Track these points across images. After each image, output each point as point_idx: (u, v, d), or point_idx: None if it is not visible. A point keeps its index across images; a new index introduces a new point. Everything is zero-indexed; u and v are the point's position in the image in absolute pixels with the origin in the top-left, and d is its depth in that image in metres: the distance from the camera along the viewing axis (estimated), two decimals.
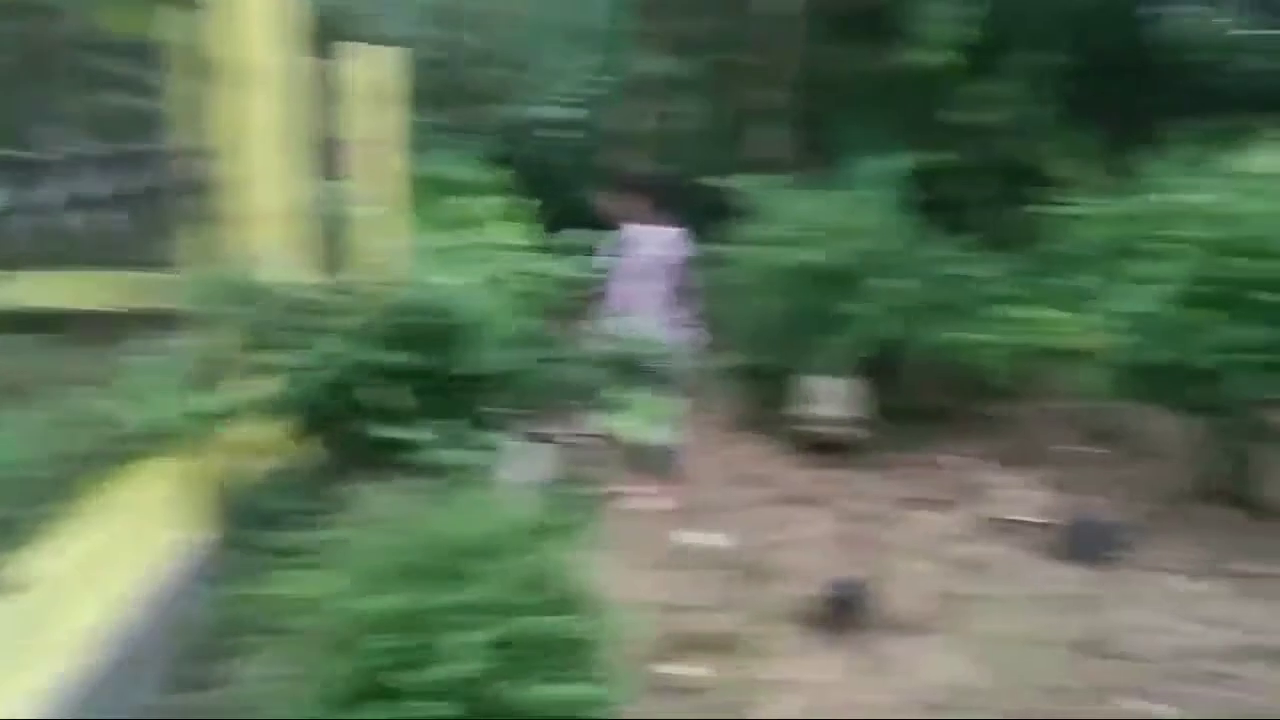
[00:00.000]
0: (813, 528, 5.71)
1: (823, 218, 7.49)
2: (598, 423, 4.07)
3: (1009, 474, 6.52)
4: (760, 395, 7.66)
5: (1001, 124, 11.86)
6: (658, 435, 4.54)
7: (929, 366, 7.63)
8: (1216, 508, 5.78)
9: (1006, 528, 5.73)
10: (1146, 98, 13.21)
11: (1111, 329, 5.94)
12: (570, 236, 5.59)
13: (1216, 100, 13.73)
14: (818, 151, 9.38)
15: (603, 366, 3.81)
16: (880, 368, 7.33)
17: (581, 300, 6.04)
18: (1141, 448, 6.80)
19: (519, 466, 3.76)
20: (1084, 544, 5.32)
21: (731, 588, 4.99)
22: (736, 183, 8.10)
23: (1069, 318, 6.22)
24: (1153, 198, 6.08)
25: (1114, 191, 6.75)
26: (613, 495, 5.58)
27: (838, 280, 7.24)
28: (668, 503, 5.98)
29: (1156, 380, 5.66)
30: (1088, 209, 6.68)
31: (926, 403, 7.59)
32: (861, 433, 6.97)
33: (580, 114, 10.46)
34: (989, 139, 11.20)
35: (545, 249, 6.20)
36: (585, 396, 3.77)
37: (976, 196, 10.54)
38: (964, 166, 9.84)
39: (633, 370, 3.75)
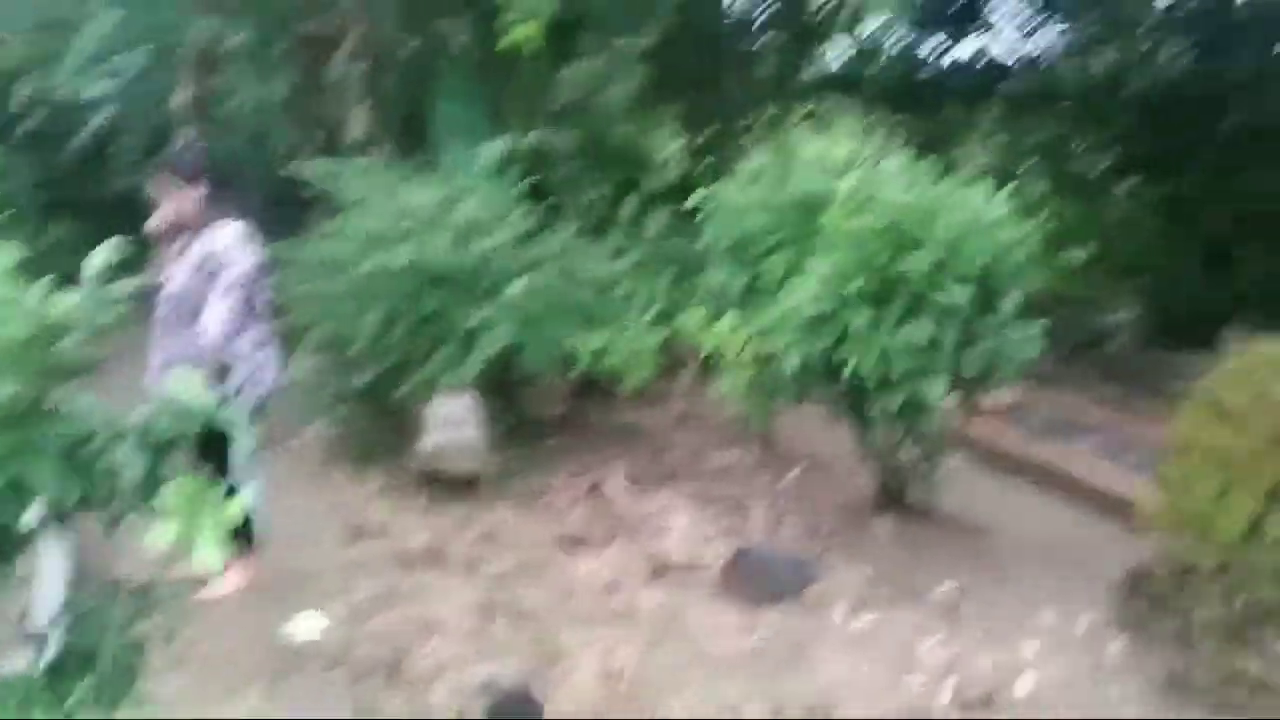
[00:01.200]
0: (446, 597, 4.61)
1: (425, 210, 6.40)
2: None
3: (665, 497, 5.80)
4: (369, 424, 6.45)
5: (596, 105, 11.23)
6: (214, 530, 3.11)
7: (560, 377, 6.80)
8: (894, 520, 5.36)
9: (675, 568, 4.96)
10: (728, 80, 13.45)
11: (759, 328, 5.36)
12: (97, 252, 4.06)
13: (792, 84, 14.34)
14: (414, 134, 8.23)
15: (141, 445, 2.49)
16: (506, 381, 6.39)
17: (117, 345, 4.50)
18: (804, 457, 6.38)
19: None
20: (765, 581, 4.66)
21: (339, 704, 3.79)
22: (318, 169, 6.79)
23: (710, 317, 5.58)
24: (794, 186, 5.57)
25: (728, 177, 6.25)
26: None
27: (448, 282, 6.20)
28: (240, 579, 4.56)
29: (812, 384, 5.15)
30: (713, 198, 6.07)
31: (560, 419, 6.76)
32: (492, 461, 5.97)
33: (110, 88, 8.51)
34: (587, 120, 10.60)
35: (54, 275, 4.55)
36: (109, 501, 2.44)
37: (589, 182, 9.90)
38: (569, 151, 9.10)
39: (169, 448, 2.47)
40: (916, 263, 4.71)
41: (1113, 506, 5.64)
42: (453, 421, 5.93)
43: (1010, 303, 4.80)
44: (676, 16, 12.41)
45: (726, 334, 5.33)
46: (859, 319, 4.78)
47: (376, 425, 6.47)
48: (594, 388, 7.17)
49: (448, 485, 5.84)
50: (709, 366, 5.86)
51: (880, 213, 4.84)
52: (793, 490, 5.93)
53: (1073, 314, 10.43)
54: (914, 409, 4.79)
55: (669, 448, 6.70)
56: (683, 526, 5.38)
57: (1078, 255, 11.78)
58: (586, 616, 4.51)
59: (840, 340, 4.84)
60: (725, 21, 12.95)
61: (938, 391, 4.72)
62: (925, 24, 13.29)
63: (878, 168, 5.28)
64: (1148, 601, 4.41)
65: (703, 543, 5.18)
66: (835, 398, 5.06)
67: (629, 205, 9.72)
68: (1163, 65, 11.78)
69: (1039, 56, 12.89)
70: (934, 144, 13.02)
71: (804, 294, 4.97)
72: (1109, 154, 13.13)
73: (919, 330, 4.69)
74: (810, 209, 5.76)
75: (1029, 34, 12.84)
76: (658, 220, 8.17)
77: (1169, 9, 11.77)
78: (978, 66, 12.90)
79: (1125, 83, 12.05)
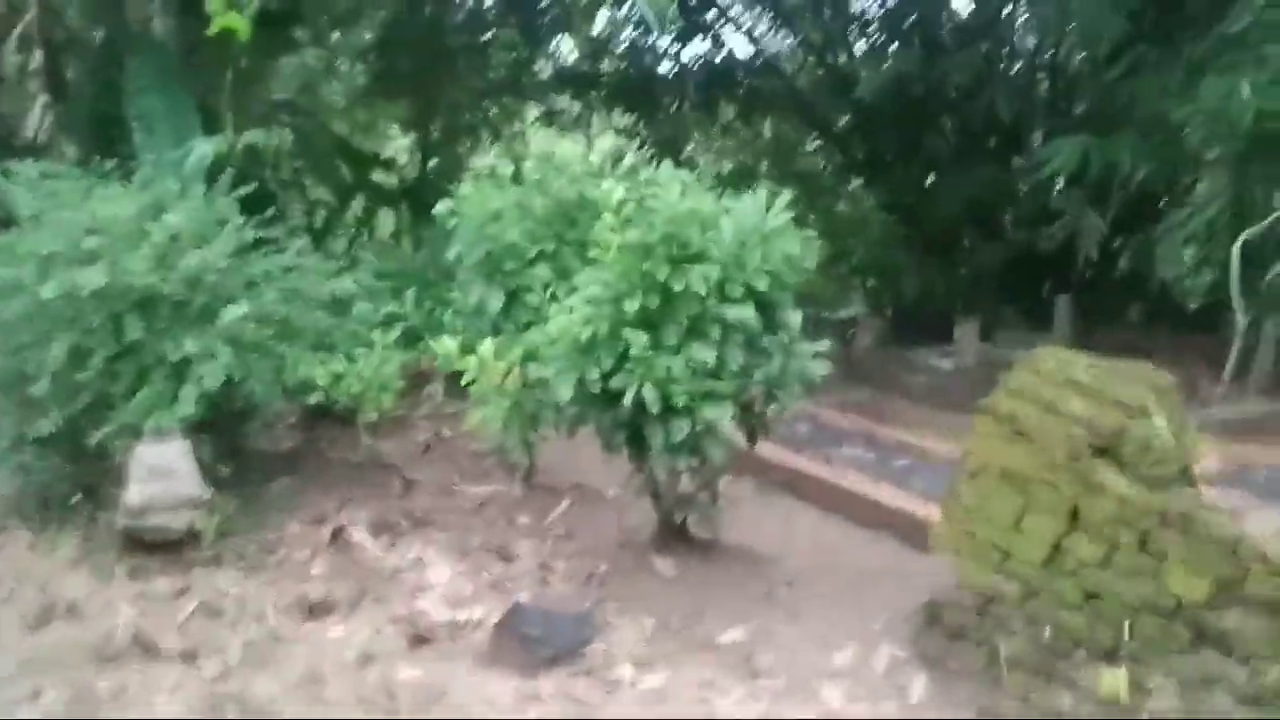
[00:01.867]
0: (158, 699, 3.77)
1: (121, 222, 5.42)
2: None
3: (418, 545, 5.12)
4: (58, 476, 5.42)
5: (315, 101, 10.40)
6: None
7: (284, 410, 6.00)
8: (676, 558, 4.91)
9: (436, 633, 4.32)
10: (456, 75, 12.81)
11: (523, 352, 4.81)
12: None
13: (525, 81, 13.84)
14: (108, 134, 7.10)
15: None
16: (225, 415, 5.53)
17: None
18: (572, 489, 5.86)
19: None
20: (540, 643, 4.10)
21: None
22: None
23: (466, 339, 4.97)
24: (555, 191, 5.05)
25: (461, 178, 5.69)
26: None
27: (151, 306, 5.28)
28: None
29: (587, 413, 4.65)
30: (461, 204, 5.46)
31: (291, 455, 5.95)
32: (212, 514, 5.09)
33: None
34: (304, 118, 9.69)
35: None
36: None
37: (311, 185, 9.00)
38: (288, 151, 8.21)
39: None
40: (698, 277, 4.30)
41: (890, 521, 5.48)
42: (162, 470, 5.01)
43: (796, 318, 4.48)
44: (399, 8, 11.69)
45: (486, 360, 4.73)
46: (638, 340, 4.31)
47: (67, 477, 5.45)
48: (328, 417, 6.39)
49: (159, 548, 4.93)
50: (458, 387, 5.24)
51: (656, 222, 4.39)
52: (562, 529, 5.41)
53: (812, 315, 10.50)
54: (699, 435, 4.38)
55: (417, 484, 6.01)
56: (441, 581, 4.75)
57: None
58: (336, 703, 3.82)
59: (619, 364, 4.36)
60: (455, 14, 12.30)
61: (725, 416, 4.33)
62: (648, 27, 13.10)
63: (648, 173, 4.83)
64: (948, 633, 4.19)
65: (465, 600, 4.57)
66: (612, 426, 4.58)
67: (354, 208, 8.91)
68: (881, 69, 12.07)
69: (771, 57, 12.98)
70: (669, 144, 12.96)
71: (575, 314, 4.46)
72: (835, 154, 13.46)
73: (704, 351, 4.28)
74: (573, 217, 5.27)
75: (759, 34, 12.91)
76: (391, 226, 7.45)
77: (887, 15, 12.09)
78: (713, 66, 12.84)
79: (849, 85, 12.31)
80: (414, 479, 6.08)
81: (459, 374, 4.92)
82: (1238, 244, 7.20)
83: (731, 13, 12.86)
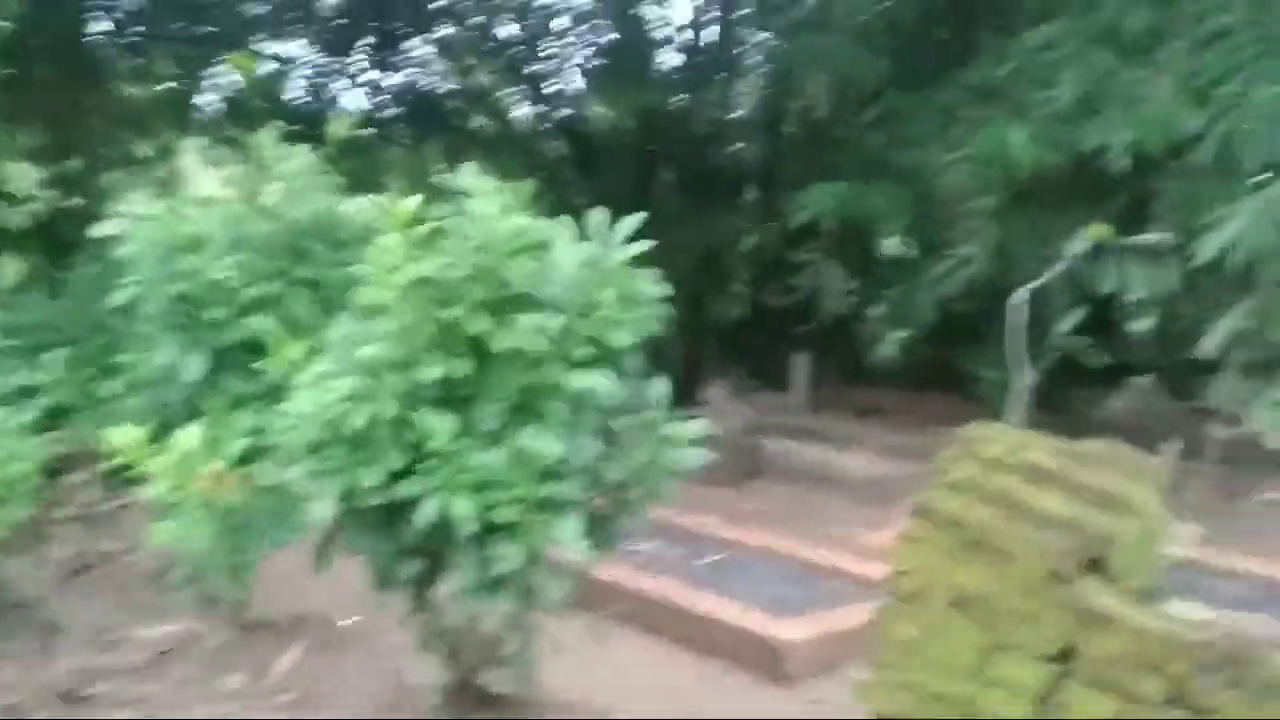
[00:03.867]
0: None
1: None
2: None
3: None
4: None
5: None
6: None
7: None
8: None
9: None
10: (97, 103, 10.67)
11: (247, 444, 3.22)
12: None
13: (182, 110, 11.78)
14: None
15: None
16: None
17: None
18: (308, 627, 4.18)
19: None
20: None
21: None
22: None
23: (153, 424, 3.30)
24: (292, 206, 3.50)
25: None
26: None
27: None
28: None
29: (354, 533, 3.12)
30: (138, 229, 3.79)
31: None
32: None
33: None
34: None
35: None
36: None
37: None
38: None
39: None
40: (530, 330, 2.92)
41: (740, 647, 4.30)
42: None
43: (660, 386, 3.19)
44: (25, 26, 9.55)
45: (189, 456, 3.10)
46: (440, 427, 2.87)
47: None
48: None
49: None
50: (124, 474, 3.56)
51: (463, 250, 2.98)
52: (295, 690, 3.76)
53: None
54: (533, 564, 2.98)
55: (63, 629, 4.16)
56: None
57: None
58: None
59: (411, 462, 2.89)
60: (96, 36, 10.22)
61: (570, 531, 2.95)
62: (335, 50, 11.57)
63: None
64: None
65: None
66: (395, 556, 3.07)
67: None
68: (603, 109, 11.19)
69: (482, 91, 11.76)
70: (365, 184, 11.37)
71: (334, 387, 2.95)
72: (553, 198, 12.38)
73: (542, 439, 2.89)
74: (303, 248, 3.74)
75: (470, 66, 11.67)
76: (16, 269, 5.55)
77: (609, 51, 11.24)
78: (418, 97, 11.44)
79: (568, 124, 11.33)
80: (57, 622, 4.21)
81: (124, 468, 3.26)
82: (1020, 298, 6.71)
83: (434, 40, 11.56)
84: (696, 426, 3.19)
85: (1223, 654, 2.66)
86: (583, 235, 3.17)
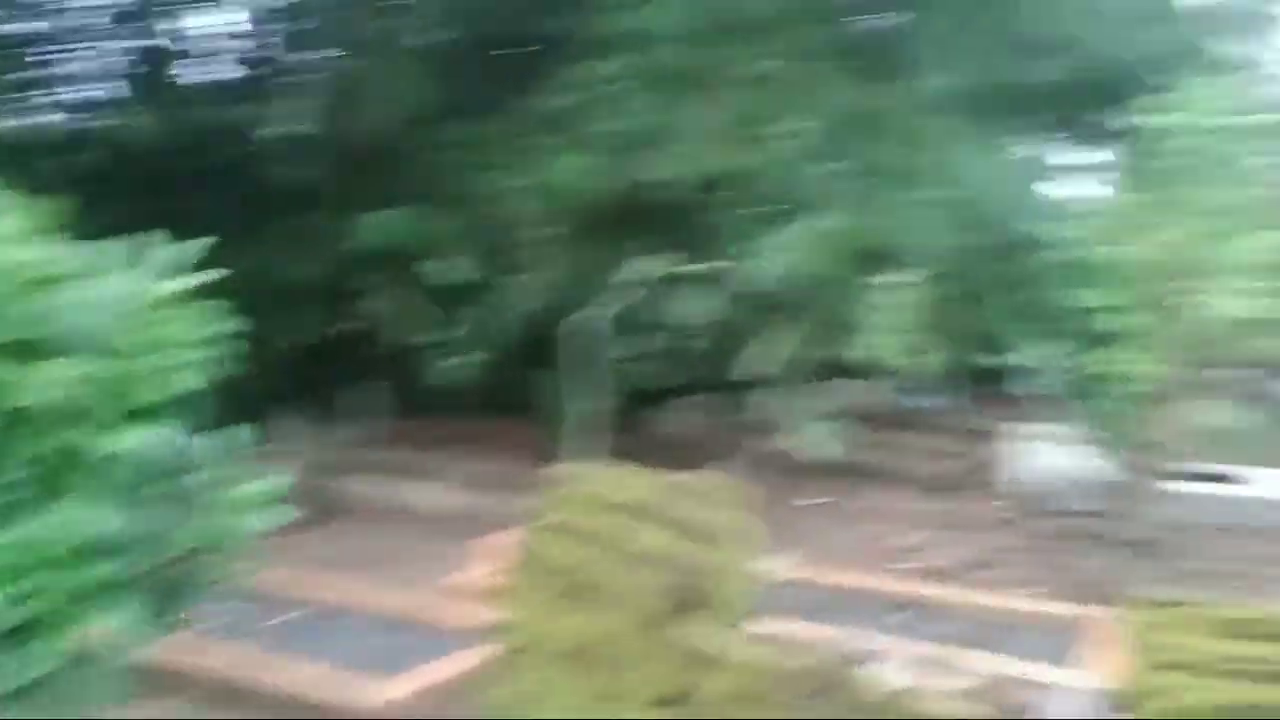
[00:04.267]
0: None
1: None
2: None
3: None
4: None
5: None
6: None
7: None
8: None
9: None
10: None
11: None
12: None
13: None
14: None
15: None
16: None
17: None
18: None
19: None
20: None
21: None
22: None
23: None
24: None
25: None
26: None
27: None
28: None
29: None
30: None
31: None
32: None
33: None
34: None
35: None
36: None
37: None
38: None
39: None
40: (49, 383, 2.37)
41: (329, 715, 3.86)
42: None
43: (230, 438, 2.74)
44: None
45: None
46: None
47: None
48: None
49: None
50: None
51: None
52: None
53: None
54: (61, 657, 2.42)
55: None
56: None
57: None
58: None
59: None
60: None
61: (121, 615, 2.43)
62: None
63: None
64: None
65: None
66: None
67: None
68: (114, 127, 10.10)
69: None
70: None
71: None
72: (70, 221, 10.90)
73: (74, 513, 2.36)
74: None
75: None
76: None
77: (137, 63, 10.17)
78: None
79: (102, 136, 10.10)
80: None
81: None
82: (586, 324, 6.85)
83: None
84: (273, 482, 2.79)
85: (820, 679, 2.71)
86: (129, 264, 2.67)
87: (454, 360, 9.79)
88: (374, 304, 9.13)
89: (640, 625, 2.76)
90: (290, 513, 2.78)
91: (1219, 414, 5.92)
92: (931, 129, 7.29)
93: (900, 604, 5.30)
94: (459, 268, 9.37)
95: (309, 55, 10.42)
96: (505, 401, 9.74)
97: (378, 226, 7.97)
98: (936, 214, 6.93)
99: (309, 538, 6.84)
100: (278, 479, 2.79)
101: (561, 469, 3.08)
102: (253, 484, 2.71)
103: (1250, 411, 7.31)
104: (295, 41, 10.29)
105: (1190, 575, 5.89)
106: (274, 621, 4.90)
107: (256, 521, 2.70)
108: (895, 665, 3.16)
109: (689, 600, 2.79)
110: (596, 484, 3.02)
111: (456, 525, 7.07)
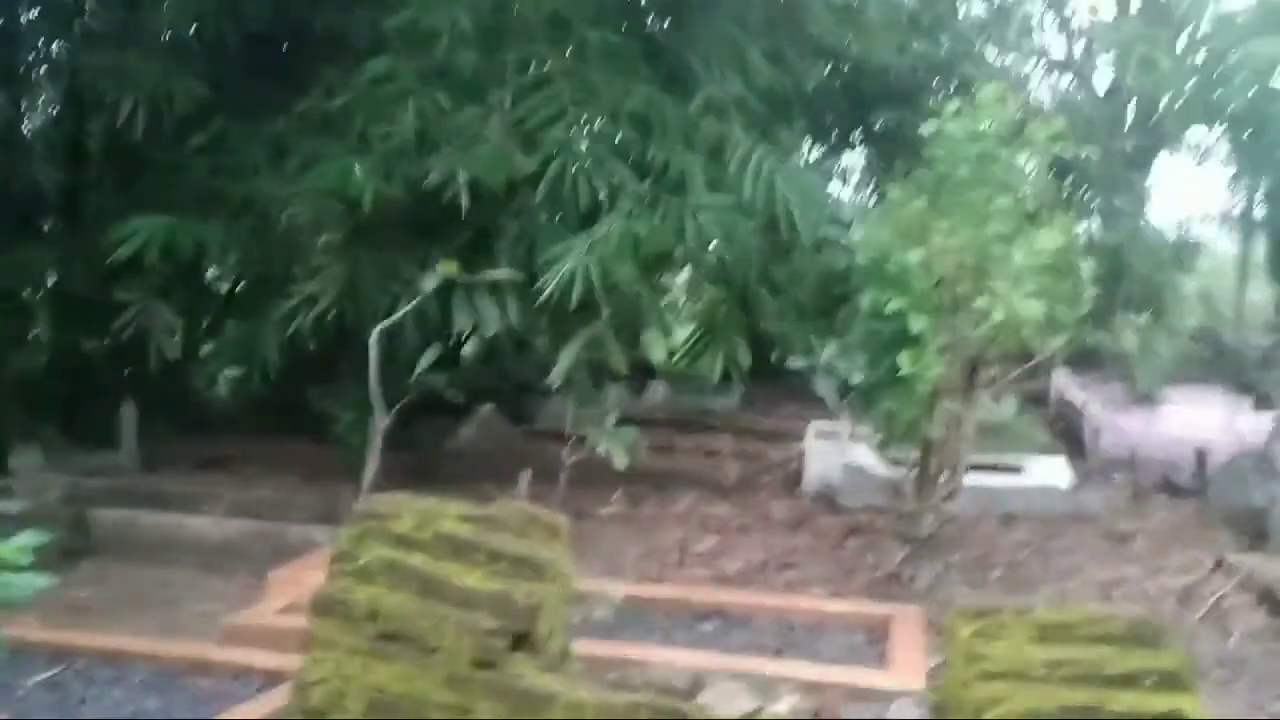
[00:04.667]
0: None
1: None
2: None
3: None
4: None
5: None
6: None
7: None
8: None
9: None
10: None
11: None
12: None
13: None
14: None
15: None
16: None
17: None
18: None
19: None
20: None
21: None
22: None
23: None
24: None
25: None
26: None
27: None
28: None
29: None
30: None
31: None
32: None
33: None
34: None
35: None
36: None
37: None
38: None
39: None
40: None
41: None
42: None
43: None
44: None
45: None
46: None
47: None
48: None
49: None
50: None
51: None
52: None
53: None
54: None
55: None
56: None
57: None
58: None
59: None
60: None
61: None
62: None
63: None
64: None
65: None
66: None
67: None
68: None
69: None
70: None
71: None
72: None
73: None
74: None
75: None
76: None
77: None
78: None
79: None
80: None
81: None
82: (374, 336, 6.55)
83: None
84: (24, 541, 2.43)
85: (651, 713, 2.59)
86: None
87: (224, 374, 9.20)
88: (134, 318, 8.43)
89: (461, 671, 2.56)
90: (49, 579, 2.43)
91: (998, 409, 6.24)
92: (712, 132, 7.36)
93: (706, 613, 5.29)
94: (230, 276, 8.80)
95: (44, 47, 9.56)
96: (281, 419, 9.22)
97: (137, 233, 7.34)
98: (722, 217, 7.00)
99: (58, 579, 6.20)
100: (30, 538, 2.44)
101: (371, 503, 2.84)
102: (11, 546, 2.35)
103: (1025, 405, 7.79)
104: (21, 32, 9.39)
105: (972, 565, 6.18)
106: (34, 681, 4.36)
107: (14, 593, 2.34)
108: (724, 692, 3.11)
109: (516, 641, 2.61)
110: (402, 518, 2.79)
111: (228, 556, 6.59)
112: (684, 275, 9.94)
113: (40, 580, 2.37)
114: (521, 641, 2.64)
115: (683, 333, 11.05)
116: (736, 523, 7.44)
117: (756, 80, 7.67)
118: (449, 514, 2.83)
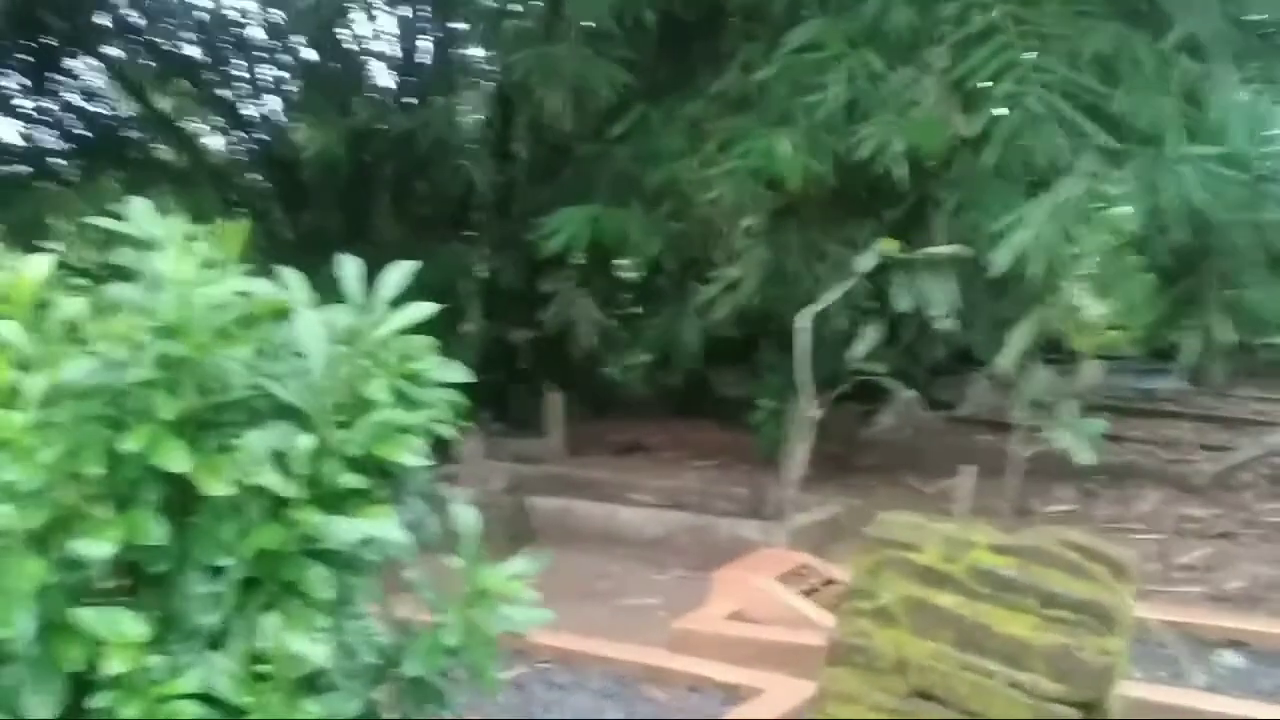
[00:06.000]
0: None
1: None
2: None
3: None
4: None
5: None
6: None
7: None
8: None
9: None
10: None
11: None
12: None
13: None
14: None
15: None
16: None
17: None
18: None
19: None
20: None
21: None
22: None
23: None
24: None
25: None
26: None
27: None
28: None
29: None
30: None
31: None
32: None
33: None
34: None
35: None
36: None
37: None
38: None
39: None
40: (256, 461, 1.82)
41: None
42: None
43: (463, 516, 2.16)
44: None
45: None
46: (119, 632, 1.72)
47: None
48: None
49: None
50: None
51: (136, 337, 1.85)
52: None
53: None
54: None
55: None
56: None
57: None
58: None
59: (80, 695, 1.72)
60: None
61: None
62: None
63: None
64: None
65: None
66: None
67: None
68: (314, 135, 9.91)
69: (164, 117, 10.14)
70: (27, 230, 9.47)
71: None
72: (261, 235, 10.86)
73: (291, 636, 1.80)
74: None
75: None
76: None
77: (311, 69, 9.96)
78: (74, 128, 9.69)
79: (276, 153, 9.95)
80: None
81: None
82: (805, 320, 6.11)
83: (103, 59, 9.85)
84: (519, 569, 2.18)
85: None
86: (325, 294, 2.11)
87: (643, 360, 9.23)
88: (558, 309, 8.63)
89: None
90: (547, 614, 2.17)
91: None
92: (1191, 73, 6.28)
93: (1218, 643, 4.41)
94: (646, 264, 8.79)
95: (471, 51, 10.03)
96: (689, 404, 9.16)
97: (565, 226, 7.43)
98: (1206, 170, 5.94)
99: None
100: (528, 562, 2.19)
101: (883, 524, 2.39)
102: (507, 576, 2.11)
103: None
104: (453, 40, 9.90)
105: None
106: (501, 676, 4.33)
107: (517, 623, 2.10)
108: None
109: (1084, 710, 2.07)
110: (925, 548, 2.32)
111: (660, 550, 6.49)
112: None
113: (542, 614, 2.11)
114: (1090, 710, 2.09)
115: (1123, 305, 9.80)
116: (1220, 528, 6.39)
117: (1242, 9, 6.48)
118: (979, 542, 2.32)
